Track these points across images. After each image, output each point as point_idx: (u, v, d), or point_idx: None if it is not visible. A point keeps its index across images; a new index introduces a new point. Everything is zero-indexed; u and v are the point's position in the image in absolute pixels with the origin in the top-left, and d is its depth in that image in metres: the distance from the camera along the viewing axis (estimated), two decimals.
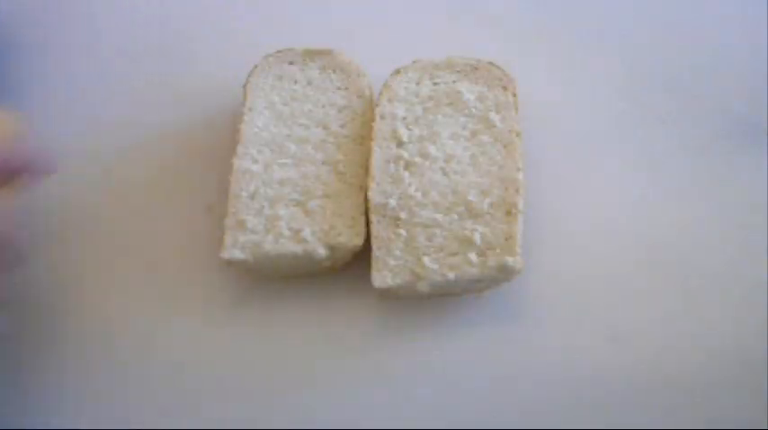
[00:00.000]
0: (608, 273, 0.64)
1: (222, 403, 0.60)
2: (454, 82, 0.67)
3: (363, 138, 0.65)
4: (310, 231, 0.61)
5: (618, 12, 0.76)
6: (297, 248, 0.61)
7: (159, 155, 0.70)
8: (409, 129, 0.65)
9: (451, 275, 0.59)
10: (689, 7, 0.76)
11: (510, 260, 0.59)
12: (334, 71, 0.69)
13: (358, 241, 0.61)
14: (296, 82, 0.68)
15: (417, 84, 0.67)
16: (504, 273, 0.60)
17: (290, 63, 0.69)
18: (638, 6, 0.76)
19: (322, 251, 0.61)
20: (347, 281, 0.63)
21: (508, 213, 0.61)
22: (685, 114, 0.70)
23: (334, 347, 0.61)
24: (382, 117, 0.66)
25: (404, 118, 0.66)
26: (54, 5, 0.78)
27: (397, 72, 0.68)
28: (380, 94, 0.67)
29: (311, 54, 0.69)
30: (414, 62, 0.68)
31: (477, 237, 0.60)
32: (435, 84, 0.67)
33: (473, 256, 0.60)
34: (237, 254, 0.61)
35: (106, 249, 0.66)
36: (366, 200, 0.63)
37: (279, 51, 0.69)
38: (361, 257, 0.62)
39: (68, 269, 0.66)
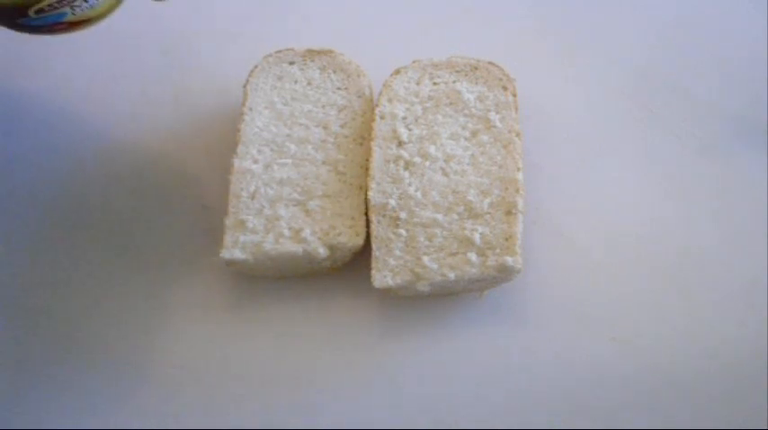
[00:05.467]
0: (608, 273, 0.64)
1: (222, 402, 0.60)
2: (454, 82, 0.67)
3: (363, 139, 0.66)
4: (310, 231, 0.61)
5: (618, 12, 0.76)
6: (297, 248, 0.61)
7: (158, 154, 0.70)
8: (409, 130, 0.65)
9: (451, 275, 0.59)
10: (689, 8, 0.76)
11: (510, 260, 0.59)
12: (334, 71, 0.69)
13: (358, 241, 0.61)
14: (296, 82, 0.68)
15: (417, 84, 0.67)
16: (504, 273, 0.59)
17: (291, 63, 0.69)
18: (638, 7, 0.76)
19: (322, 251, 0.61)
20: (347, 281, 0.63)
21: (508, 213, 0.61)
22: (685, 114, 0.70)
23: (335, 347, 0.61)
24: (382, 117, 0.66)
25: (404, 118, 0.66)
26: None
27: (397, 72, 0.68)
28: (380, 94, 0.67)
29: (311, 54, 0.69)
30: (413, 62, 0.68)
31: (476, 237, 0.60)
32: (435, 84, 0.67)
33: (473, 256, 0.60)
34: (238, 254, 0.61)
35: (105, 248, 0.66)
36: (366, 200, 0.63)
37: (279, 51, 0.69)
38: (362, 257, 0.62)
39: (67, 268, 0.66)
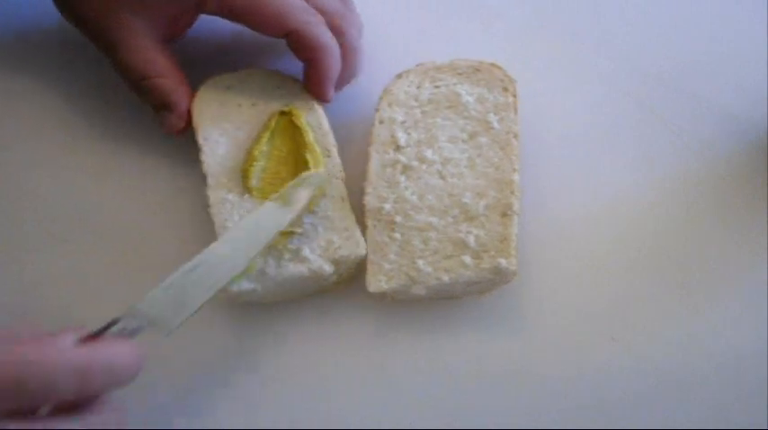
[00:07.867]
0: (607, 274, 0.64)
1: (221, 403, 0.60)
2: (455, 84, 0.67)
3: (329, 151, 0.64)
4: (309, 249, 0.60)
5: (618, 12, 0.76)
6: (302, 269, 0.59)
7: (157, 156, 0.69)
8: (408, 134, 0.65)
9: (446, 278, 0.59)
10: (689, 7, 0.76)
11: (503, 262, 0.59)
12: (278, 87, 0.66)
13: (359, 251, 0.60)
14: (240, 105, 0.66)
15: (418, 87, 0.67)
16: (499, 275, 0.59)
17: (228, 88, 0.66)
18: (637, 6, 0.76)
19: (327, 267, 0.59)
20: (345, 283, 0.63)
21: (503, 215, 0.61)
22: (685, 114, 0.70)
23: (334, 349, 0.61)
24: (381, 122, 0.65)
25: (403, 122, 0.65)
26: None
27: (399, 76, 0.67)
28: (381, 98, 0.67)
29: (250, 75, 0.67)
30: (417, 66, 0.68)
31: (471, 240, 0.60)
32: (436, 87, 0.67)
33: (467, 259, 0.59)
34: (245, 284, 0.59)
35: (105, 252, 0.66)
36: (361, 207, 0.62)
37: (216, 77, 0.67)
38: (358, 263, 0.62)
39: (63, 271, 0.65)
